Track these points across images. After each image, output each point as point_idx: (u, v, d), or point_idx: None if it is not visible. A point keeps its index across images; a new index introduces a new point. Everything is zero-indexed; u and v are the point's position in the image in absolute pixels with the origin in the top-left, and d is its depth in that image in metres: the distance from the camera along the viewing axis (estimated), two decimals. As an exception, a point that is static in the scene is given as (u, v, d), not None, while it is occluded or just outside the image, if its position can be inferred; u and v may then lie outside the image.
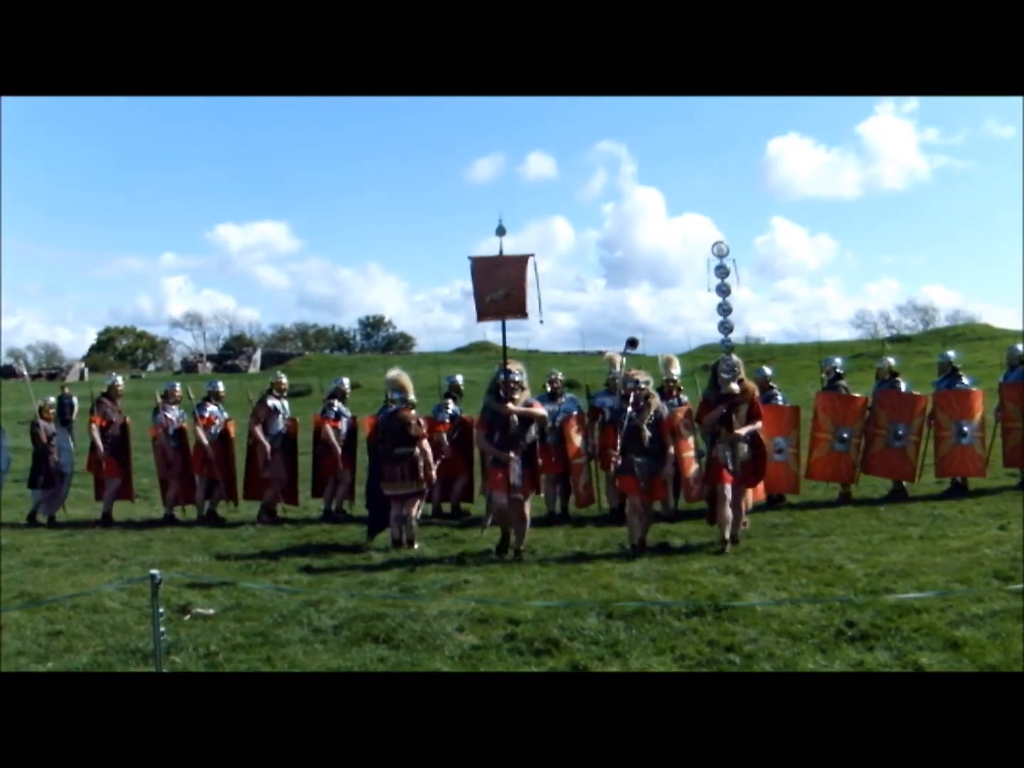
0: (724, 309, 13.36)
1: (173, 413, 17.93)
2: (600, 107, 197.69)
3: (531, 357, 15.99)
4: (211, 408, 17.78)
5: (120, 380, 19.07)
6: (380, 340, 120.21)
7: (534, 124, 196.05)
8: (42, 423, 18.16)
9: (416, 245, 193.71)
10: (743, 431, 13.21)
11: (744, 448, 13.24)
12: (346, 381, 18.09)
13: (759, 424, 13.48)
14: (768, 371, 18.07)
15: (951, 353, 18.49)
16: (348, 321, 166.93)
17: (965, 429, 16.80)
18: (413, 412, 14.43)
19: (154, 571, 6.76)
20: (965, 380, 17.63)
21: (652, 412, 13.51)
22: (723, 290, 13.33)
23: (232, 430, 18.09)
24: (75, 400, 35.01)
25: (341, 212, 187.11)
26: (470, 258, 13.49)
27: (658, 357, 16.57)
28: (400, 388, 14.51)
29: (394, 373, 14.83)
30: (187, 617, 10.09)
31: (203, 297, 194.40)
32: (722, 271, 13.32)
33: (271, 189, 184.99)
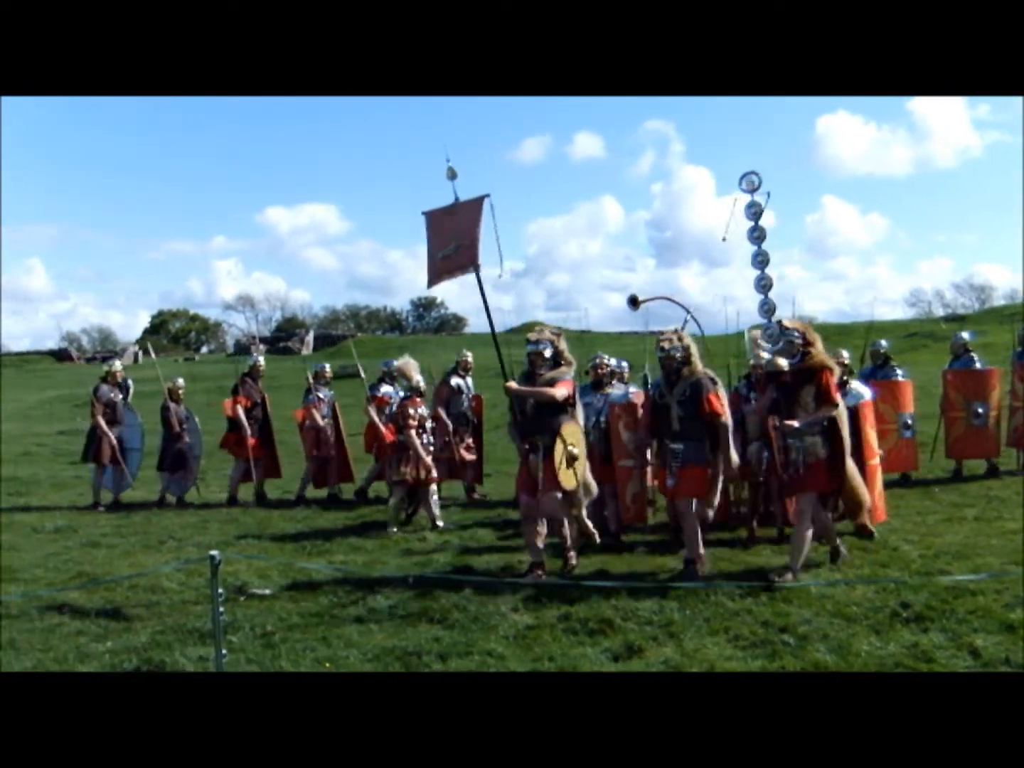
0: (761, 261, 10.54)
1: (325, 393, 17.77)
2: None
3: (583, 338, 15.74)
4: (385, 388, 17.25)
5: (262, 360, 18.59)
6: (432, 321, 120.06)
7: (581, 104, 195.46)
8: (172, 405, 17.97)
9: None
10: (796, 423, 10.13)
11: (815, 443, 10.20)
12: (468, 354, 17.64)
13: (827, 411, 10.17)
14: (884, 344, 17.27)
15: (884, 342, 17.71)
16: (399, 302, 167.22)
17: (908, 421, 15.90)
18: (418, 400, 14.58)
19: (213, 552, 6.82)
20: (898, 371, 17.05)
21: (687, 385, 10.69)
22: (757, 236, 10.56)
23: None
24: (131, 383, 35.33)
25: (389, 194, 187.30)
26: (423, 213, 11.65)
27: (744, 334, 14.03)
28: (404, 376, 14.65)
29: (400, 362, 14.96)
30: (243, 598, 10.19)
31: (253, 280, 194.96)
32: (754, 211, 10.56)
33: (320, 172, 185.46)
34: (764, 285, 10.41)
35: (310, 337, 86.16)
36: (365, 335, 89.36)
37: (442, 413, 16.49)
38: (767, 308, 10.41)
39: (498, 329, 11.38)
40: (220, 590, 6.80)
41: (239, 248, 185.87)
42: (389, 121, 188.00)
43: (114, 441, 17.56)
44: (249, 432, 17.32)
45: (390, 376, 17.12)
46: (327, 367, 18.42)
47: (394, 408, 16.52)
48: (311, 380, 17.72)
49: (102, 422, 17.57)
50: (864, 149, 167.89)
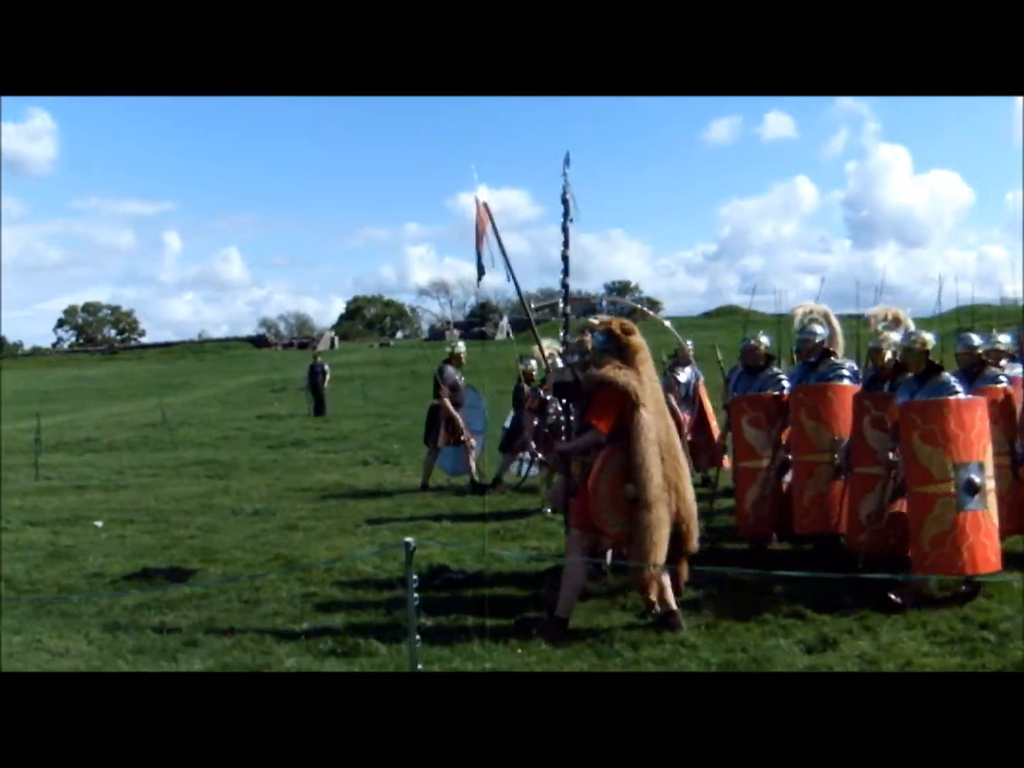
0: (564, 252, 9.69)
1: (684, 375, 16.38)
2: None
3: (781, 322, 15.26)
4: (684, 373, 16.30)
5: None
6: (626, 305, 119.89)
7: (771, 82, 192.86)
8: (526, 387, 16.91)
9: (657, 210, 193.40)
10: (567, 446, 9.02)
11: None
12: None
13: (589, 437, 8.47)
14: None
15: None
16: (592, 286, 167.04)
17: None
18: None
19: (408, 539, 6.81)
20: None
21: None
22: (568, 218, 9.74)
23: None
24: (327, 368, 35.91)
25: (580, 178, 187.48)
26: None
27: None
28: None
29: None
30: (437, 582, 10.19)
31: (445, 265, 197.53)
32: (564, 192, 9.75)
33: (512, 157, 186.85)
34: (564, 283, 9.80)
35: (504, 322, 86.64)
36: (559, 320, 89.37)
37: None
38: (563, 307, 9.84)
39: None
40: (415, 576, 6.78)
41: (432, 234, 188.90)
42: (581, 106, 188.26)
43: (462, 423, 16.94)
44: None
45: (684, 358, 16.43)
46: (690, 343, 16.67)
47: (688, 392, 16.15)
48: (666, 359, 16.63)
49: (448, 404, 16.92)
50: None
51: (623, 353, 8.53)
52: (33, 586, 10.73)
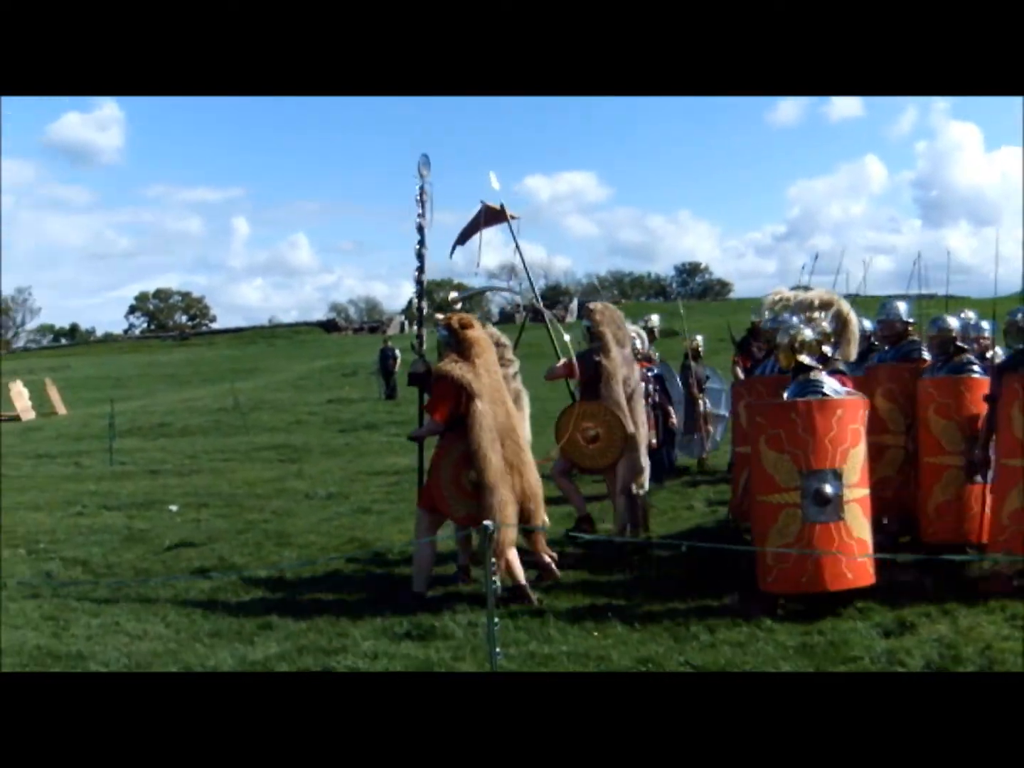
0: (418, 252, 10.35)
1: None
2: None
3: (856, 301, 14.72)
4: None
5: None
6: (696, 287, 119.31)
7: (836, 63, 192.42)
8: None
9: (725, 190, 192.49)
10: (414, 433, 10.03)
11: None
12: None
13: (429, 426, 9.55)
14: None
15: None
16: (661, 268, 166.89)
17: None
18: None
19: (487, 521, 6.76)
20: None
21: None
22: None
23: None
24: (398, 352, 35.99)
25: (649, 160, 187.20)
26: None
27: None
28: None
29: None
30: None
31: (514, 248, 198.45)
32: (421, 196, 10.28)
33: (580, 139, 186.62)
34: (419, 279, 10.32)
35: (574, 304, 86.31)
36: (630, 302, 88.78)
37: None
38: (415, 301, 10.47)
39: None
40: (493, 558, 6.72)
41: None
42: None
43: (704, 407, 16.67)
44: None
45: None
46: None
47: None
48: None
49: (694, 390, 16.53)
50: None
51: (461, 347, 9.24)
52: (110, 569, 10.83)
